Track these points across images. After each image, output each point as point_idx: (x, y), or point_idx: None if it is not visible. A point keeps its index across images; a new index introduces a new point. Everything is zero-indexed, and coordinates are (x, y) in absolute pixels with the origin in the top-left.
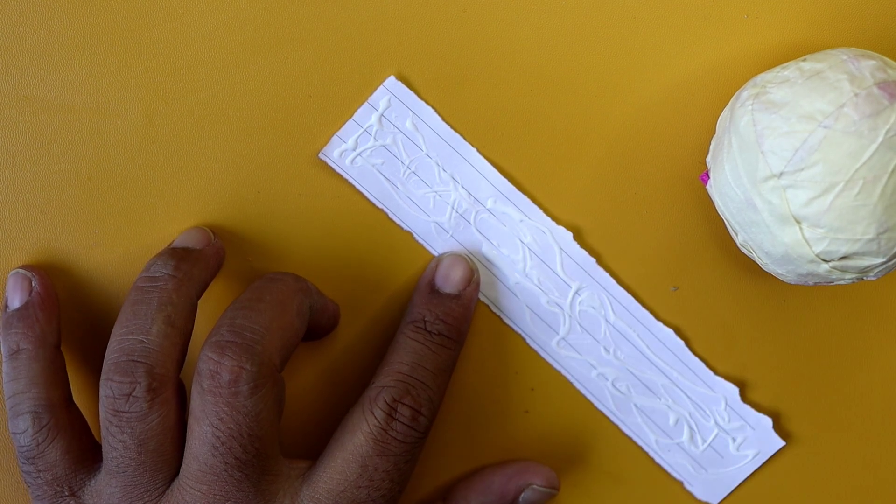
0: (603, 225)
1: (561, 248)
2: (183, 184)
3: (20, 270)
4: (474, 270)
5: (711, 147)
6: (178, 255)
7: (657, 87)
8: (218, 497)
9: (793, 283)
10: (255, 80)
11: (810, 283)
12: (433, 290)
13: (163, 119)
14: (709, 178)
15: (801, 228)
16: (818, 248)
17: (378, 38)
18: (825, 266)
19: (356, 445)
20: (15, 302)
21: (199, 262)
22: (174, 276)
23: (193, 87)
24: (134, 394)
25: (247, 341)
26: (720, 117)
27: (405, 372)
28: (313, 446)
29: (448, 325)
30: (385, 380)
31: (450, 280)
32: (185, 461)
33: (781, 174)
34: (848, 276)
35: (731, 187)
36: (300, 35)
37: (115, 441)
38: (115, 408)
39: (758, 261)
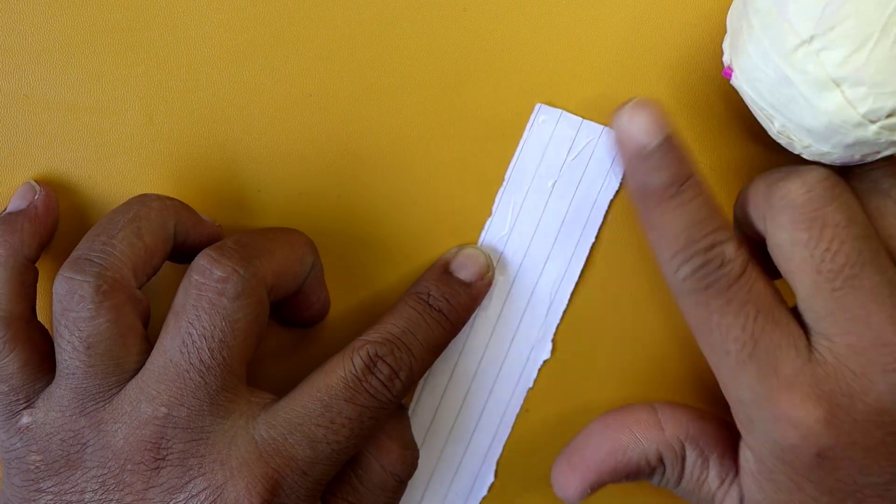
0: None
1: (525, 367)
2: (183, 184)
3: (32, 182)
4: (491, 269)
5: (726, 46)
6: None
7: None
8: (173, 398)
9: (839, 163)
10: (255, 80)
11: (857, 157)
12: (446, 271)
13: (163, 119)
14: (732, 70)
15: (842, 91)
16: (863, 108)
17: (379, 37)
18: (873, 128)
19: (327, 385)
20: (10, 207)
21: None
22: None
23: (193, 87)
24: (81, 293)
25: (248, 252)
26: (730, 12)
27: (395, 333)
28: None
29: (450, 307)
30: (373, 335)
31: (466, 268)
32: (151, 357)
33: (812, 38)
34: None
35: (759, 69)
36: (300, 35)
37: (65, 342)
38: (64, 306)
39: (798, 146)
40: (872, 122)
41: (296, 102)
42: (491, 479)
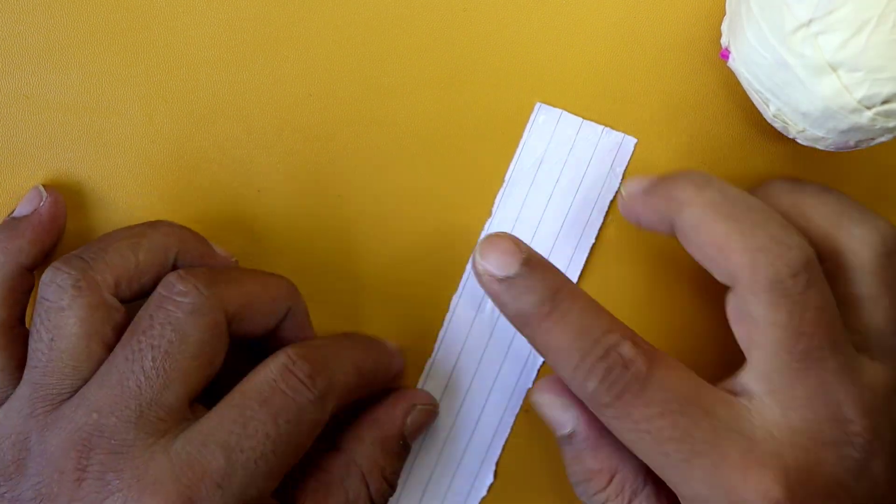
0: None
1: (525, 367)
2: (183, 184)
3: (40, 187)
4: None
5: (724, 28)
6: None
7: None
8: (105, 405)
9: (833, 148)
10: (255, 80)
11: (852, 143)
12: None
13: (163, 119)
14: (729, 52)
15: (838, 76)
16: (859, 94)
17: (378, 36)
18: (868, 114)
19: (242, 391)
20: (17, 212)
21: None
22: None
23: (193, 87)
24: (59, 282)
25: (215, 277)
26: None
27: (318, 345)
28: None
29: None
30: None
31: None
32: (101, 366)
33: (810, 21)
34: (892, 123)
35: (757, 52)
36: (300, 35)
37: (35, 331)
38: (42, 293)
39: (793, 130)
40: (868, 108)
41: (296, 102)
42: (490, 479)
